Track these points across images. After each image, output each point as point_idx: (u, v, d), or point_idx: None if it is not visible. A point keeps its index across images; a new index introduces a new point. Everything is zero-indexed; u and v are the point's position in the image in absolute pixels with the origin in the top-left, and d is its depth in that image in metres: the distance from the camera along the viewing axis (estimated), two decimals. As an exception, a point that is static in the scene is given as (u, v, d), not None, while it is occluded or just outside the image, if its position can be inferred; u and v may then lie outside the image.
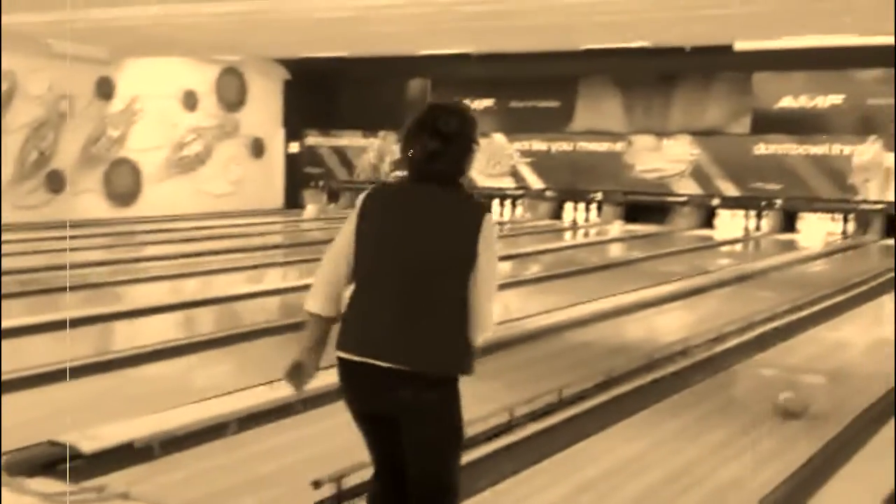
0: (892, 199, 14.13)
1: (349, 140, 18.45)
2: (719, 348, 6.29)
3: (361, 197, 2.53)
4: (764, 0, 11.01)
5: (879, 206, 14.28)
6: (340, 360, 2.46)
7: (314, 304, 2.53)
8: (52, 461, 3.64)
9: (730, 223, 15.55)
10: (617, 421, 4.49)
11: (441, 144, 2.46)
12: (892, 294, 9.40)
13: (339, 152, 18.56)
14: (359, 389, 2.46)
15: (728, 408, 4.95)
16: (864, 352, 6.88)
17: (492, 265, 2.44)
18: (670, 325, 7.57)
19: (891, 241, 13.91)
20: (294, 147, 18.81)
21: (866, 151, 14.31)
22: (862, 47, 13.34)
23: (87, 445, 3.73)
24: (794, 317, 7.60)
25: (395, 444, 2.47)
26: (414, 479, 2.47)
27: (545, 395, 4.54)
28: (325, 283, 2.53)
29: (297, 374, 2.53)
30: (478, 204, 2.49)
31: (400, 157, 2.55)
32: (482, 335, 2.45)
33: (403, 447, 2.46)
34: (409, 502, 2.49)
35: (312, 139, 18.75)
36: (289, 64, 17.96)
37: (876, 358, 6.51)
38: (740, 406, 5.11)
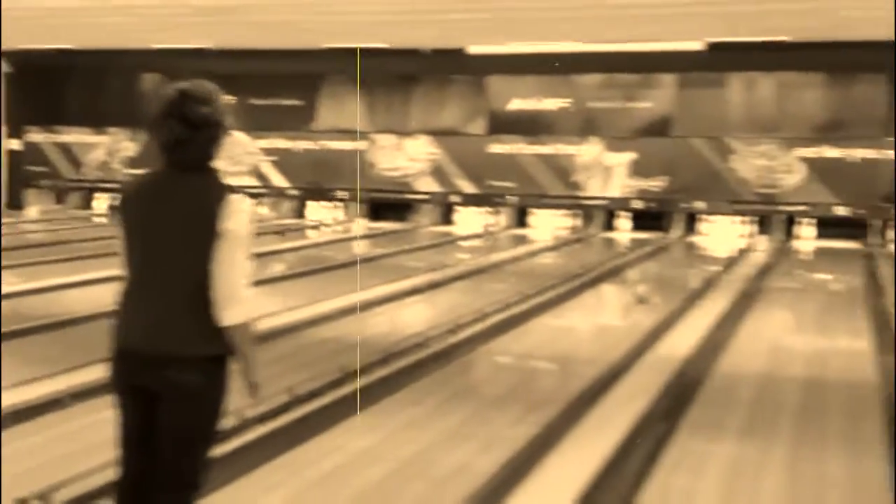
0: (613, 195, 15.23)
1: (76, 137, 17.41)
2: (455, 339, 6.50)
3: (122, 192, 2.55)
4: (493, 7, 11.53)
5: (601, 202, 15.36)
6: (113, 350, 2.51)
7: None
8: None
9: (469, 219, 16.16)
10: (350, 416, 4.52)
11: (188, 131, 2.45)
12: (611, 282, 10.15)
13: (66, 149, 17.47)
14: (126, 368, 2.49)
15: (459, 395, 5.12)
16: (586, 337, 7.37)
17: (236, 243, 2.45)
18: (409, 319, 7.74)
19: (611, 234, 15.03)
20: (15, 144, 17.49)
21: (589, 151, 15.35)
22: (583, 53, 14.30)
23: None
24: (524, 306, 8.00)
25: (149, 425, 2.47)
26: (159, 465, 2.45)
27: (277, 395, 4.49)
28: None
29: None
30: (222, 185, 2.49)
31: (148, 142, 2.54)
32: (231, 312, 2.46)
33: (157, 430, 2.46)
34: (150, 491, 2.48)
35: (35, 136, 17.53)
36: (10, 56, 16.73)
37: (596, 343, 6.99)
38: (472, 393, 5.31)
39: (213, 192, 2.47)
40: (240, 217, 2.46)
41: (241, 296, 2.49)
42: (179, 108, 2.47)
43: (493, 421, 4.58)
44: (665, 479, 3.81)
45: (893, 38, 12.89)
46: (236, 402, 2.63)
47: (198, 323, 2.45)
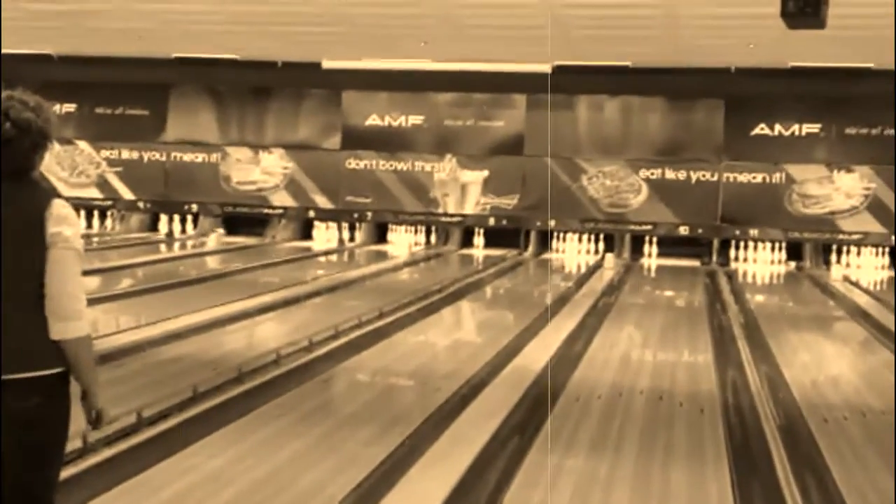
0: (468, 211, 15.43)
1: None
2: (310, 356, 6.41)
3: None
4: (347, 23, 11.53)
5: (457, 219, 15.54)
6: None
7: None
8: None
9: (326, 235, 16.03)
10: (201, 437, 4.38)
11: (13, 130, 2.34)
12: (467, 299, 10.28)
13: None
14: None
15: (315, 414, 5.05)
16: (444, 353, 7.41)
17: (67, 252, 2.34)
18: (263, 336, 7.59)
19: (467, 251, 15.22)
20: None
21: (444, 168, 15.51)
22: (437, 72, 14.47)
23: None
24: (382, 322, 7.99)
25: None
26: (8, 490, 2.32)
27: (124, 415, 4.30)
28: None
29: None
30: (44, 191, 2.38)
31: None
32: (62, 326, 2.33)
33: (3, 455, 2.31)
34: None
35: None
36: None
37: (454, 358, 7.04)
38: (327, 411, 5.25)
39: (38, 199, 2.36)
40: (67, 222, 2.36)
41: (75, 308, 2.37)
42: (5, 109, 2.36)
43: (350, 439, 4.53)
44: (520, 494, 3.86)
45: (729, 67, 13.69)
46: (81, 424, 2.50)
47: (34, 340, 2.33)
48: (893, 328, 8.55)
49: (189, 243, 15.24)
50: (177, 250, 14.76)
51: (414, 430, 4.69)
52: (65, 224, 2.36)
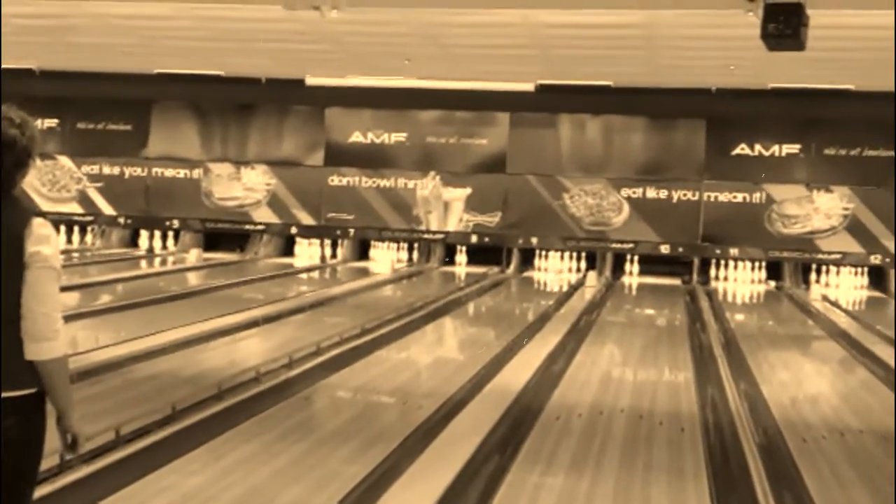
0: (451, 228, 15.45)
1: None
2: (291, 373, 6.39)
3: None
4: (331, 40, 11.56)
5: (440, 236, 15.56)
6: None
7: None
8: None
9: (308, 251, 16.00)
10: (181, 454, 4.35)
11: None
12: (449, 316, 10.28)
13: None
14: None
15: (296, 431, 5.03)
16: (426, 371, 7.41)
17: (44, 271, 2.32)
18: (244, 353, 7.55)
19: (450, 268, 15.24)
20: None
21: (427, 185, 15.54)
22: (421, 89, 14.52)
23: None
24: (363, 339, 7.98)
25: None
26: None
27: (102, 432, 4.27)
28: None
29: None
30: (24, 210, 2.37)
31: None
32: (37, 346, 2.31)
33: None
34: None
35: None
36: None
37: (435, 376, 7.04)
38: (308, 428, 5.22)
39: (17, 218, 2.34)
40: (45, 242, 2.35)
41: (52, 329, 2.34)
42: None
43: (330, 457, 4.52)
44: (501, 511, 3.86)
45: (710, 87, 13.80)
46: (56, 443, 2.48)
47: (10, 359, 2.30)
48: (875, 347, 8.62)
49: (170, 259, 15.17)
50: (157, 266, 14.69)
51: (395, 447, 4.68)
52: (44, 243, 2.34)
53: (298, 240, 16.07)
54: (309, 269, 14.96)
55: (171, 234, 16.20)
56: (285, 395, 5.80)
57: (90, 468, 4.01)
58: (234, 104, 15.80)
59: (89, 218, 16.17)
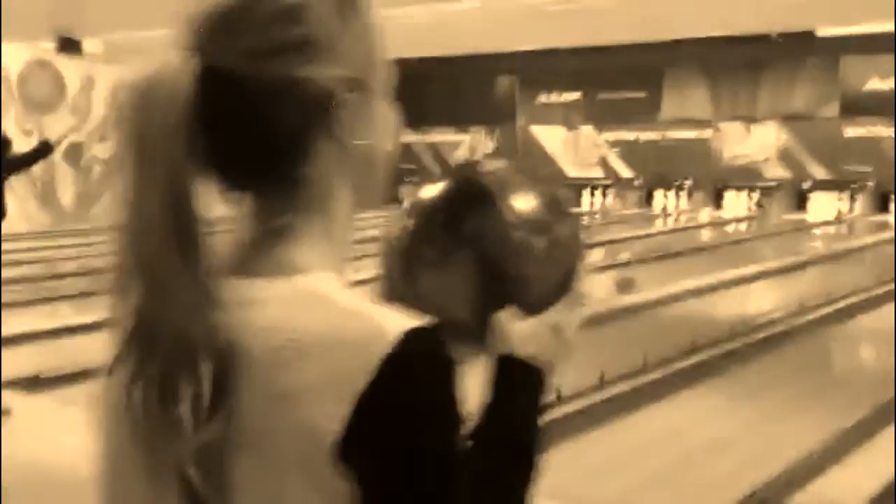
0: None
1: (441, 136, 18.91)
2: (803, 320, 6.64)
3: None
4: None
5: None
6: None
7: None
8: None
9: (823, 205, 15.59)
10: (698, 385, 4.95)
11: None
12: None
13: (434, 148, 19.08)
14: None
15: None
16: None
17: None
18: (757, 302, 7.93)
19: None
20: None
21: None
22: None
23: None
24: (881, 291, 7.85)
25: None
26: None
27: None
28: None
29: None
30: None
31: None
32: None
33: None
34: None
35: (408, 137, 19.33)
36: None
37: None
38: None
39: None
40: None
41: None
42: None
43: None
44: None
45: None
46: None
47: None
48: None
49: (682, 218, 15.84)
50: (671, 224, 15.45)
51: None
52: None
53: (811, 196, 15.73)
54: (823, 224, 14.62)
55: (683, 193, 16.84)
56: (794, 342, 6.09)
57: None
58: (744, 62, 15.90)
59: (608, 181, 17.46)
